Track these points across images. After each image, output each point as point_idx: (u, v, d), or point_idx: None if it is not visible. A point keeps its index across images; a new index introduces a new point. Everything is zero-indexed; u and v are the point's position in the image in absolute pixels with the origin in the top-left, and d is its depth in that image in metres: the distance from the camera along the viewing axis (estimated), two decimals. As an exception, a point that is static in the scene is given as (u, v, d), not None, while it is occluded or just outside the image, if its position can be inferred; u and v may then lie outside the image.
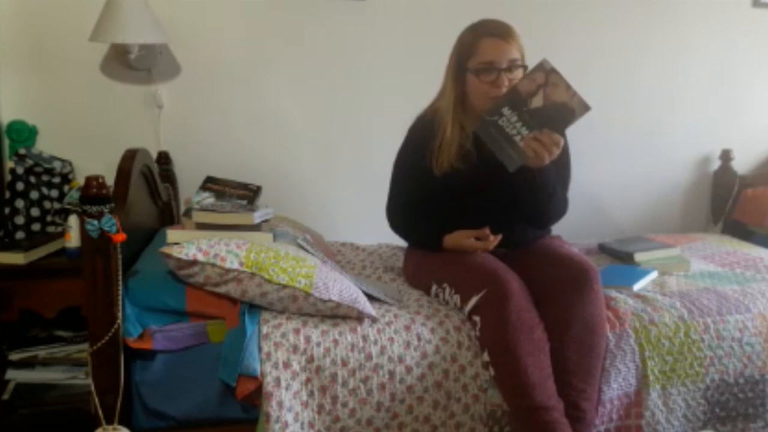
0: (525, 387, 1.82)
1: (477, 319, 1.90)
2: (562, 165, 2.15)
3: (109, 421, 1.80)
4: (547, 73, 1.90)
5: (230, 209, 2.13)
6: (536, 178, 2.02)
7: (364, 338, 1.88)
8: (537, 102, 1.91)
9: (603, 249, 2.64)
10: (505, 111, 1.93)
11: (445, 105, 2.13)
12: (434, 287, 2.10)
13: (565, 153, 2.18)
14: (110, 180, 1.94)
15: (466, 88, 2.10)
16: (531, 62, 2.02)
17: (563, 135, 1.98)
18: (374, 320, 1.93)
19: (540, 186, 2.04)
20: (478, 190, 2.13)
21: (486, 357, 1.87)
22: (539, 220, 2.19)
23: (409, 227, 2.25)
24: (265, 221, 2.19)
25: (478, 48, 2.05)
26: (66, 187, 2.53)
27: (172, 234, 2.11)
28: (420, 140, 2.16)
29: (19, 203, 2.43)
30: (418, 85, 2.79)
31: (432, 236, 2.17)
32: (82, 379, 2.32)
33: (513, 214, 2.16)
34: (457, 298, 2.00)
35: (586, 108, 1.90)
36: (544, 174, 2.03)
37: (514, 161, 1.97)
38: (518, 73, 2.04)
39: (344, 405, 1.84)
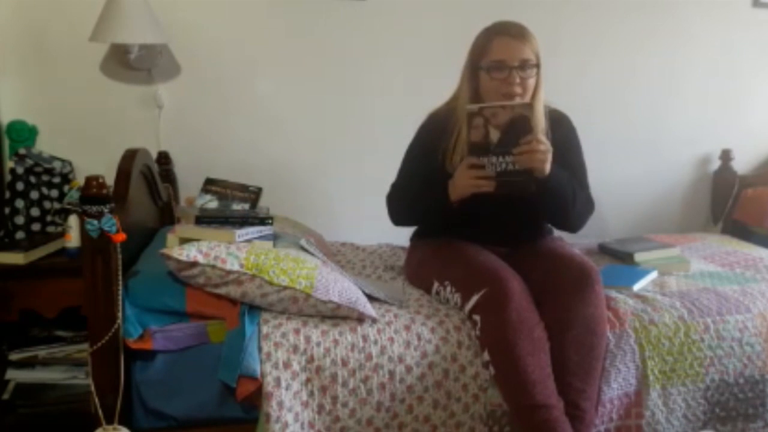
0: (525, 386, 1.82)
1: (477, 318, 1.90)
2: (574, 165, 2.17)
3: (109, 421, 1.80)
4: (476, 113, 1.96)
5: (219, 224, 2.08)
6: (550, 185, 2.02)
7: (364, 338, 1.88)
8: (495, 136, 1.96)
9: (603, 249, 2.64)
10: (486, 161, 1.97)
11: (460, 104, 2.12)
12: (436, 285, 2.10)
13: (575, 153, 2.21)
14: (110, 180, 1.93)
15: (480, 86, 2.10)
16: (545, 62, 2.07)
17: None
18: (374, 321, 1.94)
19: (558, 191, 2.05)
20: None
21: (486, 356, 1.87)
22: (569, 225, 2.20)
23: (411, 203, 2.21)
24: (250, 240, 2.06)
25: (491, 47, 2.05)
26: (66, 187, 2.53)
27: (171, 239, 2.10)
28: (430, 137, 2.16)
29: (19, 203, 2.43)
30: (418, 85, 2.82)
31: (437, 199, 2.11)
32: (82, 379, 2.32)
33: (517, 214, 2.16)
34: (458, 296, 2.00)
35: (526, 104, 1.97)
36: (556, 179, 2.03)
37: (528, 184, 1.98)
38: (531, 73, 2.04)
39: (344, 405, 1.83)
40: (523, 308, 1.87)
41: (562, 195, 2.07)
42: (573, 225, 2.19)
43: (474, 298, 1.92)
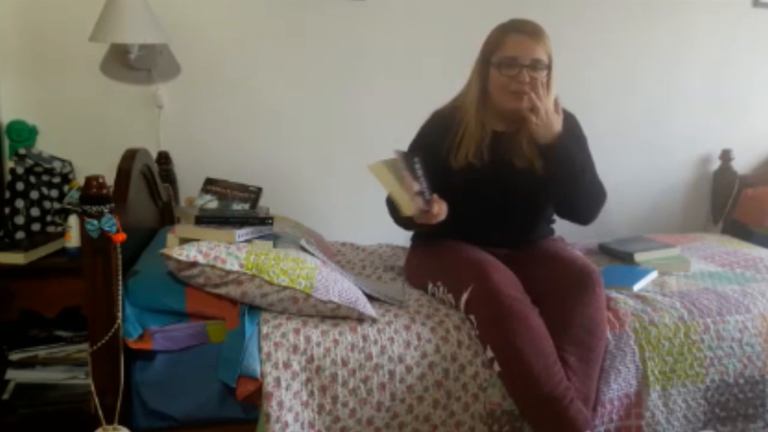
0: (530, 377, 1.81)
1: (472, 317, 1.91)
2: (580, 149, 2.14)
3: (109, 421, 1.80)
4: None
5: (219, 223, 2.08)
6: (558, 152, 2.00)
7: (364, 338, 1.88)
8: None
9: (603, 249, 2.64)
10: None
11: (469, 100, 2.11)
12: (430, 286, 2.11)
13: (580, 140, 2.17)
14: (110, 180, 1.93)
15: (488, 82, 2.08)
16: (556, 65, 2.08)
17: None
18: (374, 321, 1.94)
19: (566, 159, 2.02)
20: (488, 187, 2.12)
21: (489, 353, 1.87)
22: (579, 207, 2.12)
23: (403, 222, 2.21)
24: (250, 240, 2.07)
25: (504, 43, 2.04)
26: (66, 187, 2.53)
27: (171, 239, 2.10)
28: (433, 136, 2.15)
29: (19, 203, 2.43)
30: (418, 85, 2.82)
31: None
32: (82, 379, 2.33)
33: (518, 214, 2.16)
34: (450, 296, 2.00)
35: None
36: (564, 149, 2.01)
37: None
38: (542, 74, 2.02)
39: (344, 405, 1.84)
40: (513, 298, 1.87)
41: (572, 164, 2.03)
42: (583, 207, 2.12)
43: (464, 297, 1.93)
